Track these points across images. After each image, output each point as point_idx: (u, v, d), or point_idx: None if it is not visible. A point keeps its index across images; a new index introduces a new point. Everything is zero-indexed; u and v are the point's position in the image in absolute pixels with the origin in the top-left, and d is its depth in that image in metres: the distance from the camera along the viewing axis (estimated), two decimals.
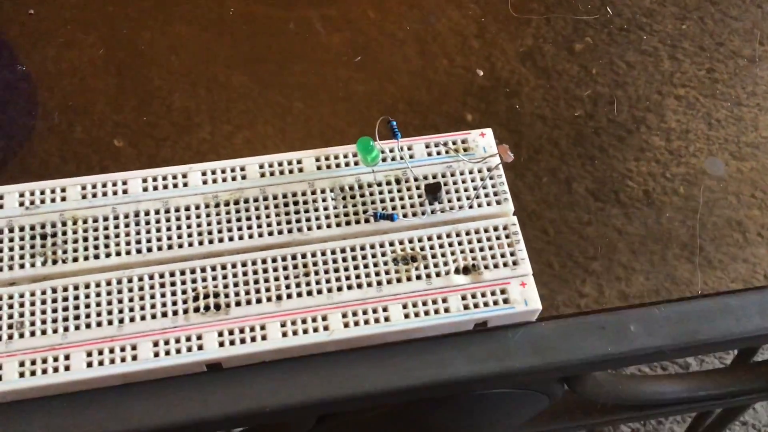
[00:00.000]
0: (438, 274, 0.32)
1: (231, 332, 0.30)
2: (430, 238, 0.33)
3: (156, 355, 0.30)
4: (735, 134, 0.64)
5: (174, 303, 0.31)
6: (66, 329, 0.30)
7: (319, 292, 0.31)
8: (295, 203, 0.33)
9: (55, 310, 0.30)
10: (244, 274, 0.31)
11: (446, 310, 0.31)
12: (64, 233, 0.32)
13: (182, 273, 0.31)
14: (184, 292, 0.31)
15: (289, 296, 0.31)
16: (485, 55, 0.69)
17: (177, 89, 0.66)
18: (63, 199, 0.32)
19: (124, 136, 0.65)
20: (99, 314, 0.30)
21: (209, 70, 0.67)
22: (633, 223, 0.62)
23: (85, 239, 0.32)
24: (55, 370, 0.29)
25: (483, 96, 0.67)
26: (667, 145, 0.64)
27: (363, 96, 0.67)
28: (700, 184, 0.62)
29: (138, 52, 0.65)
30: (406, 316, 0.31)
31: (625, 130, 0.65)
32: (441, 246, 0.33)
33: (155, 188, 0.33)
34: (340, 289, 0.32)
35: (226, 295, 0.31)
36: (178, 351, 0.30)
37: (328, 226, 0.33)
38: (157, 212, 0.32)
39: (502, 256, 0.32)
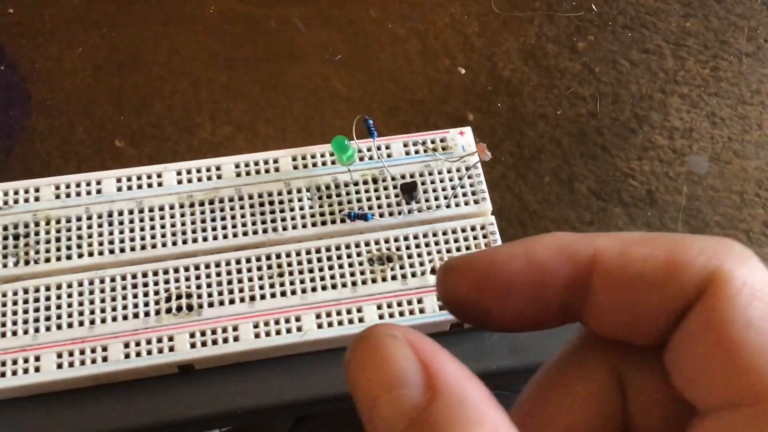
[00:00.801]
0: (414, 275, 0.32)
1: (203, 333, 0.30)
2: (406, 238, 0.32)
3: (127, 356, 0.30)
4: (739, 133, 0.63)
5: (146, 304, 0.30)
6: (37, 330, 0.30)
7: (293, 292, 0.31)
8: (271, 203, 0.33)
9: (26, 311, 0.30)
10: (218, 274, 0.31)
11: (422, 311, 0.31)
12: (37, 233, 0.31)
13: (155, 274, 0.31)
14: (156, 293, 0.31)
15: (262, 297, 0.31)
16: (487, 53, 0.69)
17: (178, 89, 0.66)
18: (36, 199, 0.32)
19: (125, 137, 0.65)
20: (70, 315, 0.30)
21: (210, 70, 0.67)
22: (636, 223, 0.62)
23: (58, 239, 0.31)
24: (26, 371, 0.29)
25: (485, 95, 0.67)
26: (671, 144, 0.63)
27: (364, 96, 0.67)
28: (703, 183, 0.61)
29: (139, 52, 0.65)
30: (381, 316, 0.31)
31: (628, 129, 0.65)
32: (417, 246, 0.32)
33: (129, 188, 0.33)
34: (314, 289, 0.31)
35: (199, 296, 0.31)
36: (149, 352, 0.30)
37: (304, 226, 0.32)
38: (131, 212, 0.32)
39: None
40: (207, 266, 0.31)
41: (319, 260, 0.32)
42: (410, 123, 0.65)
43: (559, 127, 0.64)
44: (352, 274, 0.32)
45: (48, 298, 0.30)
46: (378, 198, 0.33)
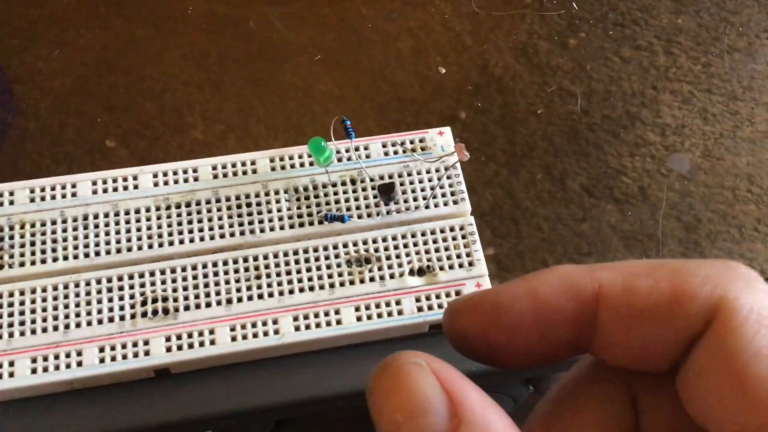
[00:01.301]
0: (392, 276, 0.31)
1: (179, 337, 0.30)
2: (384, 240, 0.32)
3: (102, 360, 0.29)
4: (731, 129, 0.63)
5: (121, 308, 0.30)
6: (11, 335, 0.30)
7: (270, 295, 0.31)
8: (248, 205, 0.32)
9: (0, 316, 0.30)
10: (194, 277, 0.31)
11: (400, 313, 0.31)
12: (11, 237, 0.31)
13: (130, 277, 0.31)
14: (132, 296, 0.30)
15: (239, 300, 0.31)
16: (478, 51, 0.69)
17: (169, 89, 0.65)
18: (11, 202, 0.32)
19: (116, 137, 0.64)
20: (45, 320, 0.30)
21: (202, 70, 0.67)
22: (628, 219, 0.62)
23: (32, 243, 0.31)
24: None
25: (477, 93, 0.66)
26: (663, 141, 0.63)
27: (356, 94, 0.66)
28: (695, 179, 0.61)
29: (130, 52, 0.65)
30: (359, 318, 0.31)
31: (620, 126, 0.65)
32: (396, 247, 0.32)
33: (105, 191, 0.32)
34: (291, 291, 0.31)
35: (175, 300, 0.31)
36: (124, 357, 0.29)
37: (281, 227, 0.32)
38: (106, 215, 0.32)
39: (458, 257, 0.32)
40: (183, 269, 0.31)
41: (297, 262, 0.32)
42: (402, 121, 0.64)
43: (551, 124, 0.63)
44: (330, 276, 0.31)
45: (22, 303, 0.30)
46: (356, 199, 0.33)
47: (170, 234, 0.32)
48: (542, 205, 0.62)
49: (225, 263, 0.31)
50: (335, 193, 0.33)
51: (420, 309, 0.31)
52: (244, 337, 0.30)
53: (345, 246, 0.32)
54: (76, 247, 0.31)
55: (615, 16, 0.68)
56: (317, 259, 0.32)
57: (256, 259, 0.31)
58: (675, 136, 0.63)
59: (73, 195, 0.32)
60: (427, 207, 0.33)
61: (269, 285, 0.31)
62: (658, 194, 0.61)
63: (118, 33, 0.65)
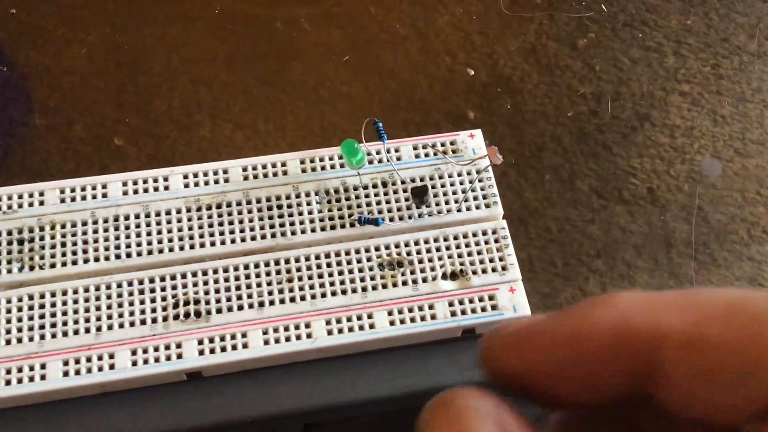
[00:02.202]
0: (425, 280, 0.31)
1: (211, 340, 0.30)
2: (417, 243, 0.32)
3: (134, 363, 0.29)
4: (740, 131, 0.63)
5: (153, 310, 0.30)
6: (42, 337, 0.29)
7: (303, 298, 0.31)
8: (279, 207, 0.32)
9: (31, 318, 0.30)
10: (226, 280, 0.31)
11: (433, 317, 0.31)
12: (42, 238, 0.31)
13: (162, 279, 0.31)
14: (163, 299, 0.30)
15: (271, 303, 0.30)
16: (487, 51, 0.68)
17: (177, 88, 0.65)
18: (41, 203, 0.32)
19: (124, 135, 0.64)
20: (76, 322, 0.30)
21: (210, 68, 0.66)
22: (637, 221, 0.62)
23: (63, 245, 0.31)
24: (31, 379, 0.29)
25: (485, 93, 0.66)
26: (672, 142, 0.63)
27: (364, 93, 0.66)
28: (704, 181, 0.61)
29: (139, 50, 0.65)
30: (392, 323, 0.30)
31: (629, 127, 0.64)
32: (428, 251, 0.32)
33: (135, 192, 0.32)
34: (324, 295, 0.31)
35: (207, 302, 0.30)
36: (156, 360, 0.29)
37: (313, 230, 0.32)
38: (137, 216, 0.32)
39: (491, 261, 0.32)
40: (215, 271, 0.31)
41: (329, 265, 0.31)
42: (411, 121, 0.64)
43: (560, 125, 0.63)
44: (362, 280, 0.31)
45: (53, 305, 0.30)
46: (388, 202, 0.33)
47: (201, 236, 0.32)
48: (551, 205, 0.62)
49: (256, 266, 0.31)
50: (366, 196, 0.33)
51: (453, 313, 0.31)
52: (277, 341, 0.30)
53: (377, 249, 0.32)
54: (107, 249, 0.31)
55: (624, 17, 0.68)
56: (349, 263, 0.31)
57: (287, 261, 0.31)
58: (684, 137, 0.63)
59: (104, 196, 0.32)
60: (459, 210, 0.33)
61: (301, 288, 0.31)
62: (667, 195, 0.61)
63: (127, 31, 0.64)
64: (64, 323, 0.30)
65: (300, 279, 0.31)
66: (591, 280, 0.53)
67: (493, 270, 0.31)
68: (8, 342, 0.29)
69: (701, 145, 0.62)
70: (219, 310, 0.30)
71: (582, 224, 0.61)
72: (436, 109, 0.66)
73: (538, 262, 0.60)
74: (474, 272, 0.31)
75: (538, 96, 0.65)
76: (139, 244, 0.31)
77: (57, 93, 0.61)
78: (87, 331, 0.30)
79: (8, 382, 0.29)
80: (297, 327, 0.30)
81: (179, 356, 0.29)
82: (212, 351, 0.30)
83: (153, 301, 0.30)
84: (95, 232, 0.31)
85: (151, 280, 0.31)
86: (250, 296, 0.31)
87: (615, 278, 0.55)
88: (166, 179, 0.32)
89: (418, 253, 0.32)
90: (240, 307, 0.30)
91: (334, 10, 0.67)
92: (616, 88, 0.65)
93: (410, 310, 0.31)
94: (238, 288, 0.31)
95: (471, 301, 0.31)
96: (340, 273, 0.31)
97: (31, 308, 0.30)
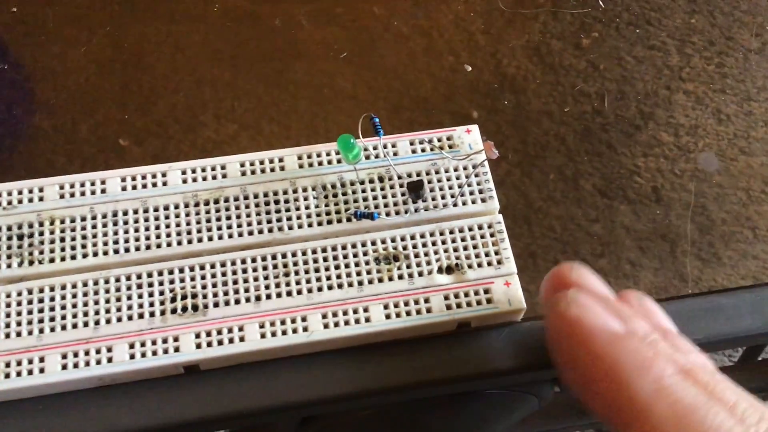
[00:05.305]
0: (420, 274, 0.31)
1: (209, 333, 0.30)
2: (413, 237, 0.32)
3: (132, 357, 0.29)
4: (744, 129, 0.63)
5: (151, 304, 0.30)
6: (41, 331, 0.30)
7: (299, 292, 0.31)
8: (276, 202, 0.32)
9: (30, 312, 0.30)
10: (223, 274, 0.31)
11: (428, 311, 0.31)
12: (41, 233, 0.31)
13: (160, 273, 0.31)
14: (161, 293, 0.31)
15: (268, 297, 0.31)
16: (491, 50, 0.69)
17: (182, 88, 0.65)
18: (41, 198, 0.32)
19: (129, 135, 0.64)
20: (75, 316, 0.30)
21: (214, 68, 0.67)
22: (641, 220, 0.62)
23: (62, 239, 0.31)
24: (30, 372, 0.29)
25: (489, 92, 0.66)
26: (676, 141, 0.63)
27: (368, 93, 0.66)
28: (709, 179, 0.61)
29: (144, 50, 0.65)
30: (388, 316, 0.31)
31: (633, 126, 0.64)
32: (424, 245, 0.32)
33: (134, 187, 0.32)
34: (320, 289, 0.31)
35: (204, 296, 0.31)
36: (154, 353, 0.29)
37: (310, 225, 0.32)
38: (135, 212, 0.32)
39: (486, 255, 0.32)
40: (212, 266, 0.31)
41: (325, 260, 0.32)
42: (414, 121, 0.64)
43: (564, 124, 0.63)
44: (359, 274, 0.31)
45: (53, 299, 0.30)
46: (384, 197, 0.33)
47: (199, 231, 0.32)
48: (555, 205, 0.62)
49: (254, 260, 0.31)
50: (363, 191, 0.33)
51: (449, 307, 0.31)
52: (273, 334, 0.30)
53: (373, 243, 0.32)
54: (105, 244, 0.31)
55: (628, 15, 0.68)
56: (345, 257, 0.32)
57: (284, 256, 0.31)
58: (688, 136, 0.63)
59: (103, 191, 0.32)
60: (455, 205, 0.33)
61: (298, 282, 0.31)
62: (671, 194, 0.61)
63: (132, 31, 0.65)
64: (63, 317, 0.30)
65: (297, 273, 0.31)
66: None
67: (489, 264, 0.32)
68: (8, 336, 0.29)
69: (705, 143, 0.62)
70: (216, 304, 0.30)
71: (586, 223, 0.61)
72: (439, 108, 0.66)
73: (542, 262, 0.60)
74: (469, 266, 0.32)
75: (541, 95, 0.65)
76: (137, 239, 0.31)
77: (62, 93, 0.62)
78: (85, 324, 0.30)
79: (7, 376, 0.29)
80: (293, 321, 0.30)
81: (177, 349, 0.30)
82: (209, 344, 0.30)
83: (151, 295, 0.30)
84: (94, 227, 0.32)
85: (149, 275, 0.31)
86: (247, 290, 0.31)
87: (619, 277, 0.55)
88: (164, 175, 0.33)
89: (414, 247, 0.32)
90: (237, 301, 0.31)
91: (338, 10, 0.67)
92: (620, 86, 0.65)
93: (406, 304, 0.31)
94: (235, 282, 0.31)
95: (466, 294, 0.31)
96: (337, 267, 0.31)
97: (30, 302, 0.30)
